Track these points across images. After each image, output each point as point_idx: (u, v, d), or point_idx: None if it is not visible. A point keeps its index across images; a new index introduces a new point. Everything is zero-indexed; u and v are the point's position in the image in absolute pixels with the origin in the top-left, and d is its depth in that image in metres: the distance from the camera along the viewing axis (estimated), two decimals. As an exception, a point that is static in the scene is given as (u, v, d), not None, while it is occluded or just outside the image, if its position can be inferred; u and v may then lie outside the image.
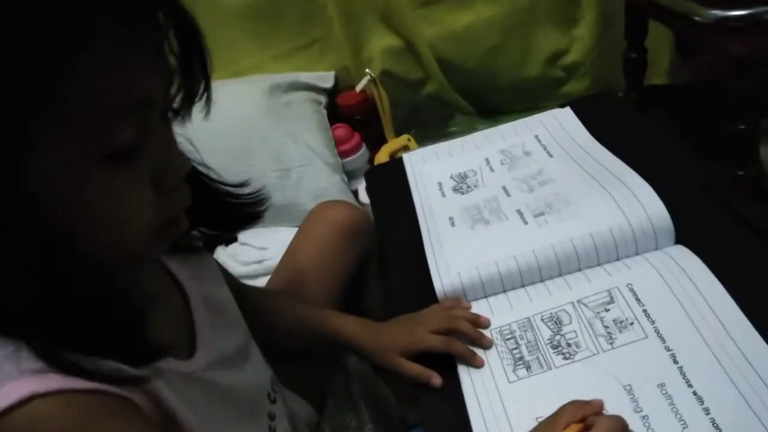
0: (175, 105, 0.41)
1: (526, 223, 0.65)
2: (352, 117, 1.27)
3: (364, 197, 1.14)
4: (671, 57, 1.32)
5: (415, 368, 0.56)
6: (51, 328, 0.35)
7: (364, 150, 1.23)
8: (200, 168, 0.51)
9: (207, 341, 0.49)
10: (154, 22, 0.37)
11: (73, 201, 0.35)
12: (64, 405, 0.34)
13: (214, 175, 0.53)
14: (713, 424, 0.45)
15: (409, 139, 1.21)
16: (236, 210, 0.55)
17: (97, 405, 0.36)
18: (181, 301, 0.51)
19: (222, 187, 0.54)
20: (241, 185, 0.55)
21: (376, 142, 1.25)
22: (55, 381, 0.34)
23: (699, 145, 0.74)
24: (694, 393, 0.47)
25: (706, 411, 0.46)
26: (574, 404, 0.45)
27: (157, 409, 0.39)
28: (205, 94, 0.42)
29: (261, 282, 0.79)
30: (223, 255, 1.02)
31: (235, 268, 0.99)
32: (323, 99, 1.25)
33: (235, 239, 1.03)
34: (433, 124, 1.36)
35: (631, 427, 0.47)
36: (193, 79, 0.41)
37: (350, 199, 1.10)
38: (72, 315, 0.36)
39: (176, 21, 0.38)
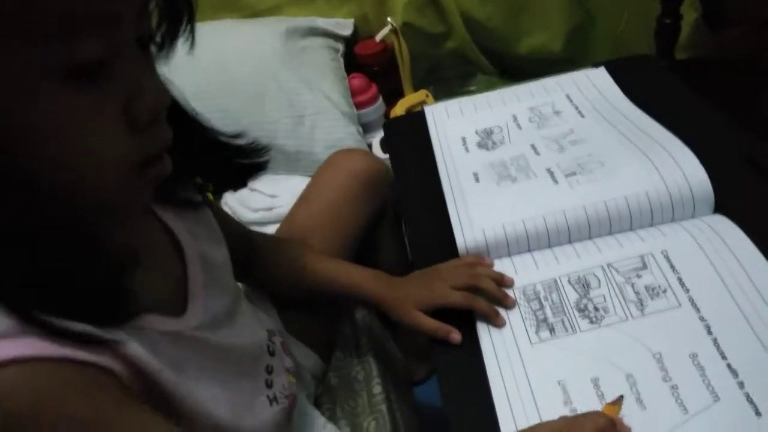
0: (158, 39, 0.38)
1: (556, 182, 0.62)
2: (369, 68, 1.22)
3: (378, 151, 1.11)
4: (694, 31, 1.27)
5: (434, 323, 0.54)
6: (14, 283, 0.32)
7: (380, 102, 1.19)
8: (194, 117, 0.48)
9: (199, 301, 0.47)
10: None
11: (28, 121, 0.31)
12: (32, 374, 0.32)
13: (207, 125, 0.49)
14: (747, 398, 0.43)
15: (427, 95, 1.17)
16: (236, 160, 0.52)
17: (70, 375, 0.33)
18: (176, 257, 0.48)
19: (218, 137, 0.50)
20: (236, 136, 0.52)
21: (392, 95, 1.20)
22: (24, 346, 0.32)
23: (739, 116, 0.70)
24: (728, 365, 0.45)
25: (740, 384, 0.44)
26: (600, 422, 0.41)
27: (136, 374, 0.37)
28: (189, 27, 0.39)
29: (269, 230, 0.77)
30: (232, 200, 0.99)
31: (244, 214, 0.96)
32: (341, 47, 1.20)
33: (244, 184, 0.99)
34: (453, 82, 1.31)
35: (658, 396, 0.45)
36: (175, 11, 0.38)
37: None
38: (39, 267, 0.33)
39: None
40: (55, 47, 0.30)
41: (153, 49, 0.38)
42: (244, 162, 0.52)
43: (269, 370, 0.53)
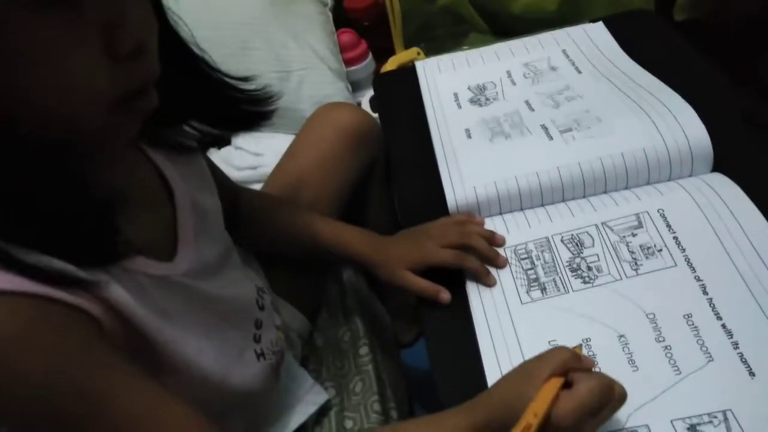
0: None
1: (551, 138, 0.59)
2: (359, 23, 1.18)
3: (367, 109, 1.07)
4: None
5: (423, 283, 0.53)
6: None
7: (370, 59, 1.15)
8: (196, 55, 0.45)
9: (189, 247, 0.45)
10: None
11: None
12: (8, 310, 0.30)
13: (213, 66, 0.46)
14: (741, 359, 0.43)
15: (418, 53, 1.13)
16: (240, 106, 0.49)
17: (46, 314, 0.32)
18: (167, 201, 0.46)
19: (224, 78, 0.47)
20: (245, 80, 0.49)
21: (383, 53, 1.16)
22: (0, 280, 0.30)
23: (737, 79, 0.68)
24: (723, 326, 0.44)
25: (735, 345, 0.43)
26: (565, 354, 0.40)
27: (117, 319, 0.35)
28: None
29: (254, 188, 0.74)
30: (216, 158, 0.96)
31: (228, 173, 0.93)
32: (329, 1, 1.15)
33: (228, 142, 0.96)
34: (445, 40, 1.27)
35: (650, 356, 0.44)
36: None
37: (353, 109, 1.03)
38: (19, 203, 0.31)
39: None
40: None
41: None
42: (249, 108, 0.49)
43: (258, 325, 0.51)
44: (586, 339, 0.46)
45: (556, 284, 0.50)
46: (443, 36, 1.31)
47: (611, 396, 0.38)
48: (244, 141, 0.96)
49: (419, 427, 0.43)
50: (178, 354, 0.40)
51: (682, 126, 0.55)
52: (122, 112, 0.34)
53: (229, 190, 0.60)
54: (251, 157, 0.94)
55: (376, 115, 0.97)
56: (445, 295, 0.51)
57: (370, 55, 1.16)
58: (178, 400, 0.37)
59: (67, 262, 0.33)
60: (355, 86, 1.12)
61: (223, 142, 0.94)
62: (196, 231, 0.46)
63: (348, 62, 1.11)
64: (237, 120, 0.51)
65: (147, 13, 0.35)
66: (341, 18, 1.18)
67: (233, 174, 0.93)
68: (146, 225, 0.43)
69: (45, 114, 0.32)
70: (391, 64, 1.10)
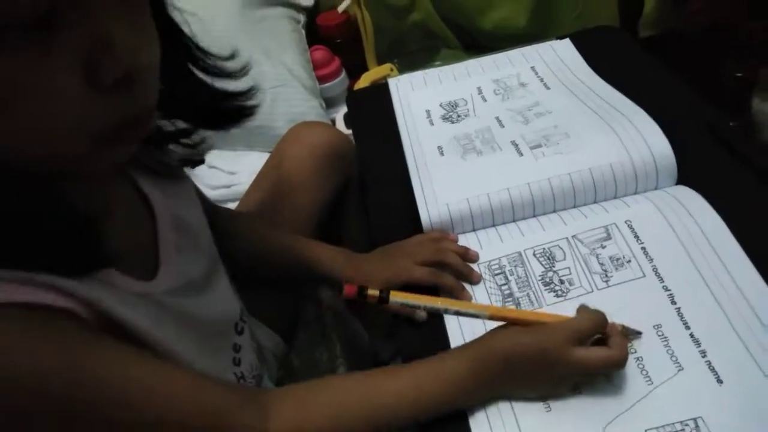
0: None
1: (521, 154, 0.60)
2: (332, 40, 1.19)
3: (341, 125, 1.08)
4: (658, 6, 1.27)
5: (399, 299, 0.53)
6: None
7: (343, 76, 1.16)
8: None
9: (171, 265, 0.45)
10: None
11: None
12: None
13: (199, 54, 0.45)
14: (709, 367, 0.44)
15: (392, 69, 1.14)
16: (223, 102, 0.48)
17: (36, 321, 0.32)
18: (146, 216, 0.46)
19: (209, 63, 0.46)
20: (230, 57, 0.47)
21: (356, 69, 1.17)
22: None
23: (699, 91, 0.71)
24: (691, 335, 0.45)
25: (703, 353, 0.44)
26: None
27: (102, 319, 0.36)
28: None
29: (229, 207, 0.73)
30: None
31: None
32: (302, 18, 1.16)
33: (202, 161, 0.95)
34: (417, 56, 1.28)
35: (625, 369, 0.45)
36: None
37: (328, 126, 1.03)
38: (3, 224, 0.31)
39: None
40: None
41: None
42: (234, 103, 0.49)
43: (236, 348, 0.51)
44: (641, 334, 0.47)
45: (529, 298, 0.51)
46: (416, 51, 1.32)
47: (601, 332, 0.43)
48: (218, 160, 0.95)
49: (415, 370, 0.43)
50: (173, 355, 0.40)
51: (646, 140, 0.56)
52: (110, 144, 0.33)
53: (206, 210, 0.60)
54: (225, 176, 0.94)
55: (350, 131, 0.98)
56: (422, 313, 0.52)
57: (344, 72, 1.17)
58: (186, 370, 0.38)
59: (48, 273, 0.33)
60: (330, 103, 1.13)
61: (197, 161, 0.93)
62: (179, 247, 0.46)
63: (321, 79, 1.12)
64: (222, 114, 0.49)
65: (141, 34, 0.32)
66: (314, 35, 1.19)
67: (208, 193, 0.92)
68: (125, 242, 0.42)
69: (23, 147, 0.31)
70: (364, 81, 1.11)
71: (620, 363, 0.42)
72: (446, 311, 0.44)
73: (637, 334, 0.46)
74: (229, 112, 0.49)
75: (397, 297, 0.43)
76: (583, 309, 0.44)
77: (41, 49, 0.28)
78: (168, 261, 0.45)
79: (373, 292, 0.42)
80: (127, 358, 0.36)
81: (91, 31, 0.29)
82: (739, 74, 0.89)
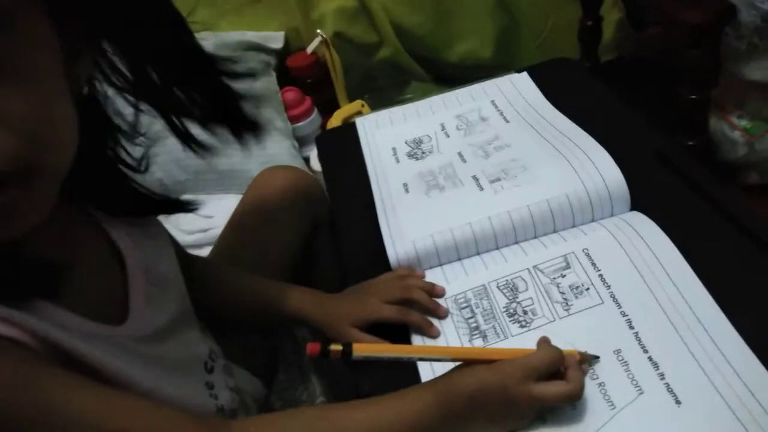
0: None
1: (481, 189, 0.63)
2: (303, 80, 1.22)
3: (316, 164, 1.10)
4: (618, 31, 1.32)
5: (368, 339, 0.54)
6: None
7: (315, 115, 1.18)
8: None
9: (140, 313, 0.46)
10: None
11: None
12: None
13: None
14: (668, 389, 0.45)
15: (363, 105, 1.17)
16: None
17: None
18: (116, 266, 0.47)
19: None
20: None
21: (328, 107, 1.20)
22: None
23: (651, 116, 0.74)
24: (650, 358, 0.47)
25: (661, 376, 0.46)
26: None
27: (54, 350, 0.36)
28: None
29: (205, 252, 0.75)
30: (166, 223, 0.96)
31: (179, 237, 0.93)
32: (272, 60, 1.19)
33: (182, 208, 0.97)
34: (388, 90, 1.32)
35: (586, 394, 0.46)
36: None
37: (301, 165, 1.06)
38: None
39: None
40: None
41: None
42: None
43: (210, 386, 0.52)
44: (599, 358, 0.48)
45: (495, 331, 0.53)
46: (386, 86, 1.36)
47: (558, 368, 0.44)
48: (194, 204, 0.97)
49: (381, 404, 0.44)
50: (130, 386, 0.40)
51: (598, 169, 0.59)
52: None
53: (183, 259, 0.61)
54: (201, 220, 0.95)
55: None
56: (393, 349, 0.53)
57: (316, 111, 1.20)
58: (140, 398, 0.38)
59: None
60: (303, 141, 1.15)
61: (174, 208, 0.95)
62: (149, 297, 0.47)
63: (294, 119, 1.15)
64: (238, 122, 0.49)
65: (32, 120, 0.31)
66: (285, 76, 1.22)
67: (184, 238, 0.94)
68: (90, 287, 0.43)
69: None
70: (336, 119, 1.14)
71: (576, 396, 0.44)
72: (410, 359, 0.46)
73: (595, 358, 0.47)
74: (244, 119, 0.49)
75: (360, 351, 0.44)
76: (542, 344, 0.46)
77: None
78: (136, 309, 0.46)
79: (335, 347, 0.43)
80: (76, 385, 0.35)
81: None
82: (693, 96, 0.92)
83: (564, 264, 0.55)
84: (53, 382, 0.35)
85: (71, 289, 0.39)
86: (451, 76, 1.37)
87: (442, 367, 0.51)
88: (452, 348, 0.50)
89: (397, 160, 0.73)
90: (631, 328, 0.49)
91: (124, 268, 0.47)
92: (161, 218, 0.98)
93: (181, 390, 0.47)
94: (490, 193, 0.61)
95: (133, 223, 0.50)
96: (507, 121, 0.74)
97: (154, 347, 0.46)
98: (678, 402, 0.44)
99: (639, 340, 0.49)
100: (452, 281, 0.57)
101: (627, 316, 0.50)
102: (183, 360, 0.49)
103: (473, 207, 0.60)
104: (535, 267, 0.56)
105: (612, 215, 0.59)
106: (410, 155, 0.73)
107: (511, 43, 1.32)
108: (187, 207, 0.54)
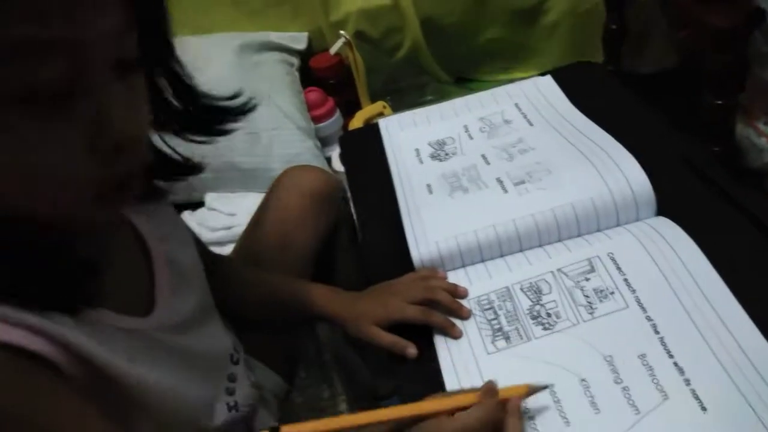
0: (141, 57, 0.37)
1: (506, 191, 0.63)
2: (325, 81, 1.22)
3: (337, 164, 1.11)
4: (659, 41, 1.31)
5: (390, 338, 0.54)
6: None
7: (338, 115, 1.19)
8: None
9: (165, 303, 0.47)
10: None
11: None
12: None
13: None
14: (693, 395, 0.45)
15: (384, 106, 1.17)
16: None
17: (10, 364, 0.33)
18: (143, 259, 0.48)
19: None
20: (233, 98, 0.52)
21: (350, 108, 1.21)
22: None
23: (677, 121, 0.73)
24: (675, 364, 0.47)
25: (687, 382, 0.46)
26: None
27: (78, 363, 0.37)
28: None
29: (229, 249, 0.76)
30: (191, 220, 0.98)
31: (203, 234, 0.95)
32: (295, 61, 1.20)
33: (202, 203, 0.98)
34: (408, 92, 1.33)
35: (611, 399, 0.46)
36: (150, 35, 0.38)
37: (323, 165, 1.06)
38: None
39: None
40: (7, 75, 0.30)
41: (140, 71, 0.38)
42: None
43: (232, 378, 0.53)
44: (550, 386, 0.48)
45: (519, 333, 0.53)
46: (407, 88, 1.37)
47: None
48: (218, 202, 0.98)
49: None
50: (148, 395, 0.41)
51: (624, 174, 0.59)
52: (105, 202, 0.36)
53: (204, 256, 0.62)
54: (225, 218, 0.97)
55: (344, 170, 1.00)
56: (412, 350, 0.53)
57: (338, 111, 1.20)
58: None
59: (25, 309, 0.34)
60: (325, 142, 1.16)
61: (197, 204, 0.96)
62: (173, 287, 0.48)
63: (316, 119, 1.15)
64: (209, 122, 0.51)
65: (134, 110, 0.37)
66: (308, 77, 1.23)
67: (208, 235, 0.95)
68: (121, 283, 0.44)
69: (26, 204, 0.34)
70: (357, 120, 1.14)
71: None
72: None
73: (544, 388, 0.46)
74: (217, 113, 0.51)
75: None
76: (484, 394, 0.44)
77: (52, 119, 0.32)
78: (163, 300, 0.47)
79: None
80: (88, 415, 0.36)
81: (95, 109, 0.34)
82: (719, 101, 0.91)
83: (588, 267, 0.55)
84: (69, 411, 0.35)
85: (105, 285, 0.40)
86: (470, 73, 1.37)
87: (464, 369, 0.51)
88: (386, 410, 0.46)
89: (421, 161, 0.73)
90: (657, 333, 0.49)
91: (149, 258, 0.48)
92: (186, 216, 1.00)
93: (202, 386, 0.48)
94: (515, 196, 0.61)
95: (154, 213, 0.51)
96: (531, 124, 0.73)
97: (181, 338, 0.47)
98: (704, 408, 0.44)
99: (664, 345, 0.48)
100: (475, 283, 0.57)
101: (652, 320, 0.50)
102: (209, 351, 0.50)
103: (497, 209, 0.60)
104: (559, 270, 0.56)
105: (637, 220, 0.58)
106: (433, 156, 0.74)
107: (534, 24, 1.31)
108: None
